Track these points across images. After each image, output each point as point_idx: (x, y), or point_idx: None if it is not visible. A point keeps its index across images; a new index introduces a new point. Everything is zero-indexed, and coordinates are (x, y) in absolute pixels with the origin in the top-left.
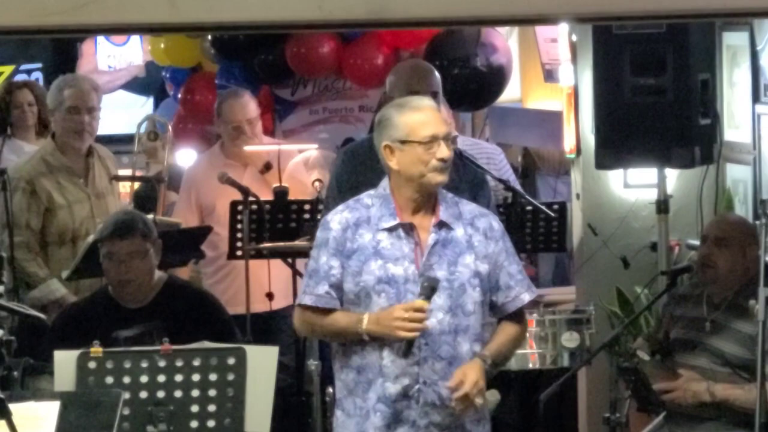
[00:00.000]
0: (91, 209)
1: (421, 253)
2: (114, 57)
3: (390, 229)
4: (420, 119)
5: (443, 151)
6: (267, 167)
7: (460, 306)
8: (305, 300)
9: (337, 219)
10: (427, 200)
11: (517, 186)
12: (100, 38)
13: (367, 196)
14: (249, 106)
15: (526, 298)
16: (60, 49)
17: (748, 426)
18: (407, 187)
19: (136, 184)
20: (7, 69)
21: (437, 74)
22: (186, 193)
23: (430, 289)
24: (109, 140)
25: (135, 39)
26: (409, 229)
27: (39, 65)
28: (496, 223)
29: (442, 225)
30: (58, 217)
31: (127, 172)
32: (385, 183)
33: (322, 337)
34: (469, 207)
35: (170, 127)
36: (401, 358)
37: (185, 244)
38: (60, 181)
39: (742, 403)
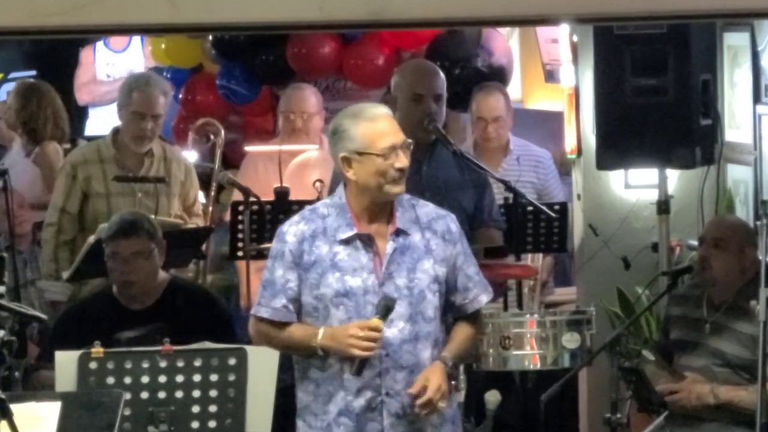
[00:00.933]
0: (135, 204)
1: (380, 262)
2: (113, 65)
3: (347, 241)
4: (377, 129)
5: (401, 160)
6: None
7: (420, 313)
8: (261, 312)
9: (292, 231)
10: (383, 207)
11: (560, 190)
12: (99, 45)
13: (323, 205)
14: (306, 99)
15: (484, 299)
16: (55, 56)
17: (750, 426)
18: (363, 196)
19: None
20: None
21: (442, 75)
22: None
23: (385, 309)
24: None
25: (135, 45)
26: (367, 239)
27: (32, 72)
28: (454, 225)
29: (399, 232)
30: (94, 204)
31: None
32: (340, 191)
33: (278, 349)
34: (426, 209)
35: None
36: (353, 375)
37: (187, 244)
38: (106, 170)
39: (746, 404)
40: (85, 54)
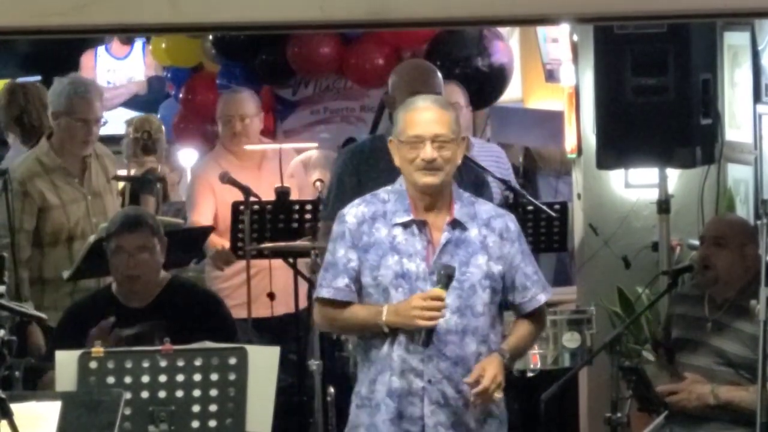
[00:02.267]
0: (87, 209)
1: (432, 251)
2: (114, 71)
3: (404, 225)
4: (410, 118)
5: (425, 152)
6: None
7: (470, 307)
8: (323, 293)
9: (353, 212)
10: (439, 198)
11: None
12: (101, 51)
13: (384, 192)
14: (244, 102)
15: (542, 298)
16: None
17: (750, 426)
18: (408, 183)
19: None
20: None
21: (439, 74)
22: (204, 193)
23: (447, 278)
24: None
25: (137, 52)
26: (422, 225)
27: (38, 78)
28: (513, 224)
29: (456, 224)
30: (52, 217)
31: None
32: (401, 179)
33: (342, 330)
34: (485, 207)
35: (163, 127)
36: (421, 346)
37: (186, 244)
38: (54, 181)
39: (747, 404)
40: (85, 59)
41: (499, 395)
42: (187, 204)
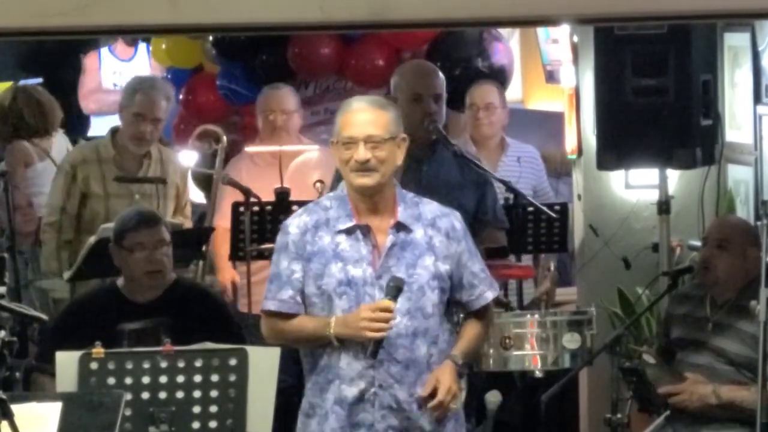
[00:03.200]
0: (131, 206)
1: (378, 255)
2: (120, 74)
3: (348, 231)
4: (345, 120)
5: (358, 153)
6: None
7: (420, 309)
8: (269, 305)
9: (295, 223)
10: (380, 201)
11: (550, 189)
12: (105, 53)
13: (326, 198)
14: (285, 98)
15: (490, 296)
16: (61, 64)
17: (752, 425)
18: (348, 187)
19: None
20: (3, 86)
21: (441, 75)
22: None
23: (395, 289)
24: None
25: (142, 54)
26: (366, 230)
27: (39, 80)
28: (458, 223)
29: (400, 227)
30: (92, 204)
31: None
32: (343, 184)
33: (291, 343)
34: (430, 207)
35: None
36: (369, 358)
37: (187, 244)
38: (105, 171)
39: (749, 404)
40: (89, 61)
41: (454, 405)
42: (212, 207)
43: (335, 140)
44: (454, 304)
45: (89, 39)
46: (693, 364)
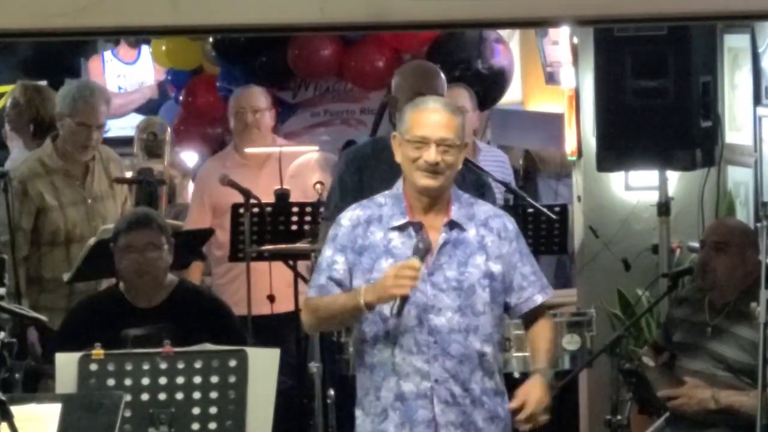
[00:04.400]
0: (87, 212)
1: (430, 252)
2: (124, 77)
3: (400, 228)
4: (419, 118)
5: (429, 155)
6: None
7: (470, 306)
8: (310, 293)
9: (348, 216)
10: (437, 200)
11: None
12: (108, 56)
13: (381, 196)
14: (255, 96)
15: (539, 299)
16: (64, 67)
17: (751, 430)
18: (408, 183)
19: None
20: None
21: (443, 76)
22: (199, 196)
23: (424, 251)
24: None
25: (145, 57)
26: (419, 227)
27: (44, 83)
28: (511, 224)
29: (453, 225)
30: (50, 218)
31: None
32: (399, 183)
33: (326, 322)
34: (483, 207)
35: (169, 129)
36: (395, 317)
37: (187, 246)
38: (55, 182)
39: (747, 409)
40: (93, 65)
41: (544, 417)
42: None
43: (403, 136)
44: (504, 310)
45: (91, 42)
46: (692, 369)
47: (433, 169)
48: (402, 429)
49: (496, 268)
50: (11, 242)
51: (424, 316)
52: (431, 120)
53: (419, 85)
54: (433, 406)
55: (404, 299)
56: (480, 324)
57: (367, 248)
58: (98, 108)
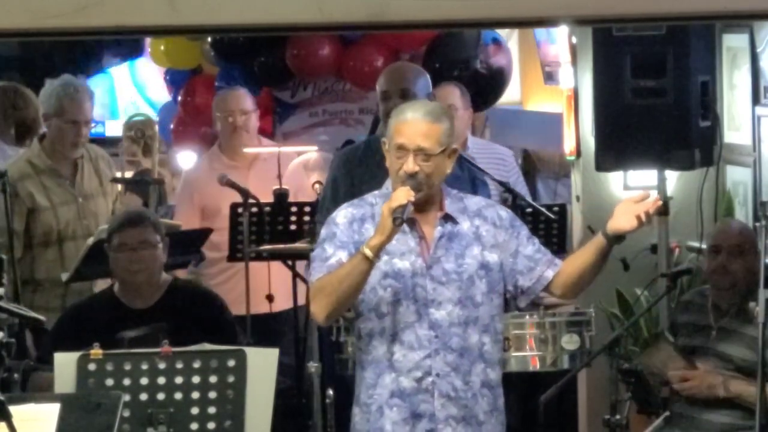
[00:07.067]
0: (78, 211)
1: (426, 246)
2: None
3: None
4: (399, 127)
5: (408, 165)
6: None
7: (470, 298)
8: (314, 276)
9: (342, 214)
10: (427, 198)
11: (525, 189)
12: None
13: (371, 195)
14: (243, 98)
15: (550, 274)
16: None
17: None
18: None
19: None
20: None
21: (416, 72)
22: (187, 196)
23: (401, 215)
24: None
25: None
26: (412, 223)
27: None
28: (504, 212)
29: (447, 218)
30: (42, 218)
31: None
32: (388, 182)
33: (335, 297)
34: (474, 200)
35: (156, 127)
36: (397, 227)
37: (185, 246)
38: (44, 182)
39: (754, 400)
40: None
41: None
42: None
43: (387, 145)
44: (521, 295)
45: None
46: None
47: (414, 180)
48: (401, 425)
49: (492, 257)
50: (9, 244)
51: (424, 310)
52: (410, 129)
53: (384, 82)
54: (434, 400)
55: (403, 207)
56: (479, 315)
57: (363, 244)
58: (84, 104)
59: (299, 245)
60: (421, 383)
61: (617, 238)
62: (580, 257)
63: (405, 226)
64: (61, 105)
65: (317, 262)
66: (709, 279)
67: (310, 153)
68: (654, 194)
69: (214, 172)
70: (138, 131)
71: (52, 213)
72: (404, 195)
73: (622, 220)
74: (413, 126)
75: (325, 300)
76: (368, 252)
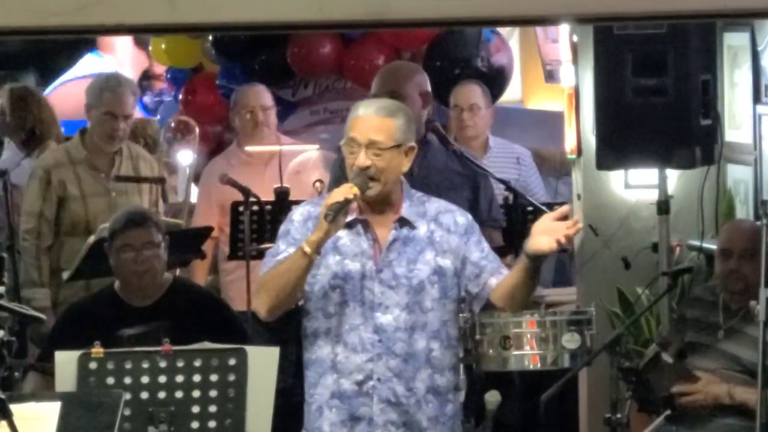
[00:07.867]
0: (110, 205)
1: (379, 249)
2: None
3: (349, 225)
4: (353, 123)
5: (359, 159)
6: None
7: (418, 303)
8: (262, 271)
9: (299, 211)
10: (386, 199)
11: (542, 188)
12: None
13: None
14: (263, 94)
15: (493, 282)
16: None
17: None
18: None
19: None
20: None
21: (405, 71)
22: (206, 194)
23: (335, 211)
24: None
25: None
26: (366, 225)
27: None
28: (462, 218)
29: (403, 222)
30: (71, 207)
31: None
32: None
33: (275, 292)
34: (435, 204)
35: (157, 125)
36: (327, 221)
37: (186, 244)
38: (78, 172)
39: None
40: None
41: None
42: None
43: (343, 142)
44: (473, 300)
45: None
46: (704, 368)
47: (365, 175)
48: (339, 427)
49: (445, 263)
50: (9, 243)
51: (370, 313)
52: (361, 124)
53: (375, 87)
54: (373, 403)
55: (338, 205)
56: (428, 321)
57: None
58: (124, 98)
59: None
60: (361, 387)
61: (539, 257)
62: (511, 276)
63: (360, 228)
64: (101, 96)
65: (268, 257)
66: (720, 282)
67: (311, 151)
68: (570, 209)
69: (231, 168)
70: (140, 130)
71: (82, 203)
72: (342, 193)
73: (541, 241)
74: (365, 121)
75: (266, 295)
76: (306, 248)
